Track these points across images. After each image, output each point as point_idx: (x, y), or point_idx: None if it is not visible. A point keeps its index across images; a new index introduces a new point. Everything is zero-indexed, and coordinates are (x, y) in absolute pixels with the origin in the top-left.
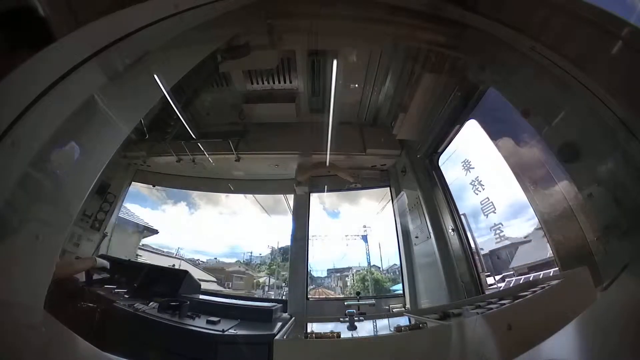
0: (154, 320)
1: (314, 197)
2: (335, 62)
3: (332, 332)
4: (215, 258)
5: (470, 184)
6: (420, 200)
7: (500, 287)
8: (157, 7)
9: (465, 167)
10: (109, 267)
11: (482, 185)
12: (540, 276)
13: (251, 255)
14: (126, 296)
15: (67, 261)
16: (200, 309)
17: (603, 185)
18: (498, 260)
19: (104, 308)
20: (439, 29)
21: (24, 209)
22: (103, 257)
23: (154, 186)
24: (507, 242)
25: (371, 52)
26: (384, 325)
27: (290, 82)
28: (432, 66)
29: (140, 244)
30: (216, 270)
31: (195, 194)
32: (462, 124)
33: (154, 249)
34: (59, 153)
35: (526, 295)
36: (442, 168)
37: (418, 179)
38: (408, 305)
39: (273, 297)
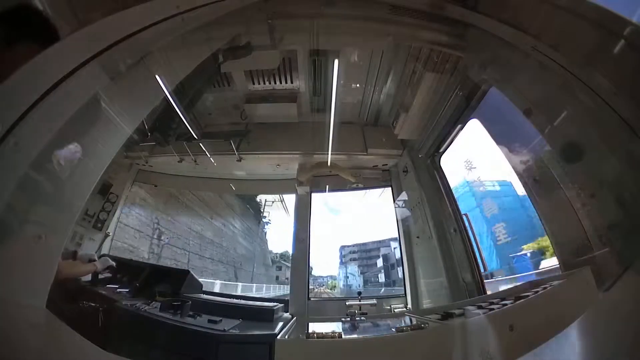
0: (155, 319)
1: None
2: (336, 61)
3: (333, 332)
4: None
5: (472, 184)
6: (422, 200)
7: None
8: (158, 8)
9: (467, 167)
10: (114, 265)
11: (483, 185)
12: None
13: None
14: (128, 296)
15: (71, 264)
16: (202, 309)
17: (606, 185)
18: None
19: (105, 307)
20: (440, 28)
21: (27, 208)
22: (107, 256)
23: (156, 186)
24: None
25: (372, 52)
26: (386, 326)
27: (292, 82)
28: (434, 65)
29: None
30: None
31: None
32: (464, 124)
33: None
34: (62, 153)
35: (528, 295)
36: (443, 168)
37: (419, 178)
38: (409, 306)
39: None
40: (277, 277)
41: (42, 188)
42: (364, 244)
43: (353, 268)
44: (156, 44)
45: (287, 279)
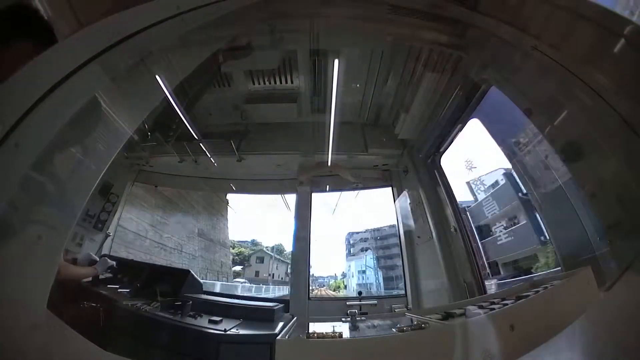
0: (156, 319)
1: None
2: (336, 61)
3: (334, 332)
4: None
5: (473, 183)
6: (422, 200)
7: None
8: (158, 8)
9: (468, 167)
10: (115, 265)
11: (484, 184)
12: None
13: None
14: (128, 296)
15: (70, 267)
16: (202, 309)
17: (606, 184)
18: None
19: (106, 307)
20: (440, 27)
21: (27, 209)
22: (106, 256)
23: (156, 187)
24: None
25: (372, 52)
26: (386, 326)
27: (292, 82)
28: (434, 65)
29: None
30: None
31: None
32: (464, 123)
33: None
34: (62, 154)
35: (529, 295)
36: (444, 167)
37: (420, 178)
38: (410, 306)
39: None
40: (257, 273)
41: (42, 188)
42: (378, 230)
43: (370, 259)
44: (156, 45)
45: (270, 275)
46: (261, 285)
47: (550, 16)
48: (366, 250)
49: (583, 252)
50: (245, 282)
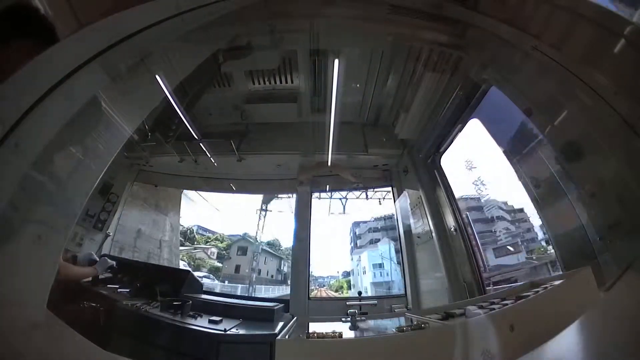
0: (156, 319)
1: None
2: (336, 61)
3: (334, 332)
4: None
5: (473, 183)
6: (423, 200)
7: None
8: (159, 8)
9: (468, 167)
10: (115, 265)
11: (484, 184)
12: None
13: None
14: (129, 296)
15: (70, 267)
16: (202, 309)
17: (606, 184)
18: None
19: (106, 307)
20: (440, 27)
21: (27, 209)
22: (106, 256)
23: (156, 186)
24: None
25: (372, 52)
26: (386, 326)
27: (292, 82)
28: (434, 65)
29: None
30: None
31: None
32: (464, 123)
33: None
34: (62, 154)
35: (529, 295)
36: (444, 167)
37: (420, 178)
38: (410, 306)
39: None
40: (237, 267)
41: (42, 188)
42: (389, 217)
43: (389, 248)
44: (157, 44)
45: (254, 271)
46: (226, 283)
47: (550, 16)
48: (378, 241)
49: (583, 252)
50: (207, 277)
